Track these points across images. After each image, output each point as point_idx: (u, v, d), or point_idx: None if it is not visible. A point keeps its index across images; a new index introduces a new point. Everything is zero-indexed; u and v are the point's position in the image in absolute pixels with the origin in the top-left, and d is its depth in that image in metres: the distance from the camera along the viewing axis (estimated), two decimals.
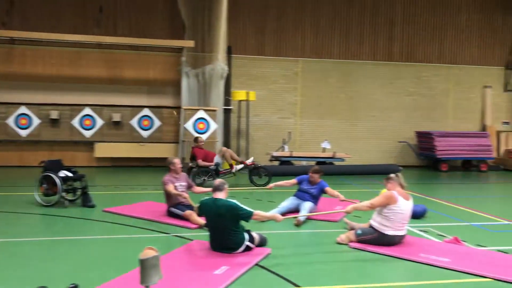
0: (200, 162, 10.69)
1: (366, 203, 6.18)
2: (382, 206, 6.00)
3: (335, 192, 7.72)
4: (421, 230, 7.12)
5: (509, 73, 16.91)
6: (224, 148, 11.24)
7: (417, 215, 7.88)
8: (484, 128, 16.78)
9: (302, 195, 7.86)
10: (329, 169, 13.43)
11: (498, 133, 16.92)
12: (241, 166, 11.03)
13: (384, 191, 6.45)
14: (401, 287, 4.89)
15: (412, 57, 16.38)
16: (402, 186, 6.18)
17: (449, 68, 16.64)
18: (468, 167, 16.09)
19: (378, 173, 14.72)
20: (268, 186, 8.50)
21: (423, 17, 16.33)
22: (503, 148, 16.85)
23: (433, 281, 4.97)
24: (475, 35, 16.74)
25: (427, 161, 16.19)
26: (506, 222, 7.90)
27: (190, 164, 10.95)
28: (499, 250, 6.14)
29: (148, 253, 3.70)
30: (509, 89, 17.02)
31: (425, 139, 15.71)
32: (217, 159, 10.85)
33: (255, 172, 11.10)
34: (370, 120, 16.21)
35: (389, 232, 5.95)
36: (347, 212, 6.35)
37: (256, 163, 11.37)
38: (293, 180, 8.13)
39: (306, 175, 8.04)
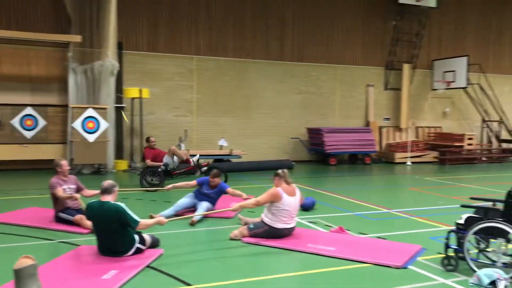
0: (148, 162, 10.72)
1: (252, 200, 6.40)
2: (267, 203, 6.23)
3: (237, 192, 7.79)
4: (310, 222, 7.48)
5: (389, 73, 18.38)
6: (173, 147, 10.81)
7: (306, 207, 8.27)
8: (368, 124, 18.08)
9: (201, 197, 7.85)
10: (227, 166, 13.58)
11: (380, 128, 18.33)
12: (196, 157, 11.07)
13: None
14: (290, 277, 5.10)
15: (302, 57, 17.10)
16: (287, 182, 6.42)
17: (335, 68, 17.65)
18: (354, 161, 17.23)
19: (273, 168, 15.17)
20: (166, 188, 8.31)
21: (312, 18, 17.12)
22: (384, 142, 18.31)
23: (320, 269, 5.25)
24: (359, 38, 17.93)
25: (317, 156, 17.05)
26: (385, 211, 8.59)
27: (138, 165, 11.21)
28: (378, 237, 6.65)
29: (24, 262, 3.45)
30: (389, 87, 18.49)
31: (315, 135, 16.52)
32: (166, 158, 10.58)
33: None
34: (264, 118, 16.65)
35: (278, 225, 6.18)
36: (234, 210, 6.49)
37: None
38: (193, 182, 8.08)
39: (207, 177, 8.02)
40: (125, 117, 14.39)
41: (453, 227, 5.36)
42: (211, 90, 15.93)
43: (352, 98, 18.04)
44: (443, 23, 19.26)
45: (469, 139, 17.90)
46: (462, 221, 5.26)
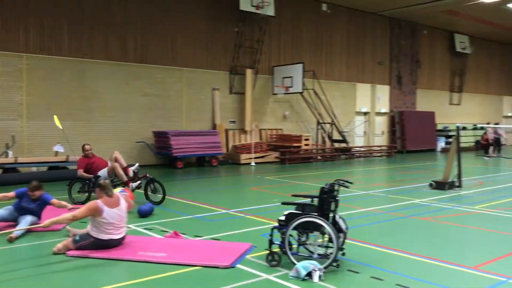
0: (79, 172, 9.60)
1: (68, 215, 5.99)
2: (86, 217, 5.92)
3: (62, 203, 7.36)
4: (146, 228, 7.28)
5: (233, 78, 18.96)
6: (116, 164, 9.19)
7: (144, 214, 8.06)
8: (214, 126, 18.41)
9: (22, 211, 7.10)
10: (61, 174, 12.63)
11: (227, 131, 18.82)
12: (137, 183, 9.25)
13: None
14: None
15: (146, 59, 16.72)
16: (108, 195, 6.14)
17: (181, 70, 17.64)
18: (202, 163, 17.40)
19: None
20: None
21: (156, 20, 16.85)
22: (231, 144, 18.85)
23: (149, 277, 5.11)
24: (203, 42, 18.17)
25: (165, 159, 16.83)
26: (224, 211, 8.77)
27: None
28: (213, 238, 6.75)
29: None
30: (234, 91, 19.08)
31: (161, 138, 16.28)
32: (102, 172, 9.32)
33: (152, 186, 9.29)
34: (108, 121, 15.88)
35: (104, 236, 5.88)
36: (45, 227, 6.03)
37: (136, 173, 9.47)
38: (11, 193, 7.26)
39: (25, 189, 7.26)
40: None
41: (277, 224, 5.66)
42: (44, 92, 14.65)
43: (199, 102, 18.21)
44: (282, 31, 20.55)
45: (306, 139, 19.35)
46: (283, 218, 5.59)
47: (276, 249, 5.63)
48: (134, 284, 4.98)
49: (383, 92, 25.18)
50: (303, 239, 5.53)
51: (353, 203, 9.75)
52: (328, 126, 21.13)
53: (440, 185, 11.58)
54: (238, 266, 5.45)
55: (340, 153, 21.02)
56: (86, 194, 9.33)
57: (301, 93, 19.49)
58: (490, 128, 22.93)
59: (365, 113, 24.61)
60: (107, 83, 15.84)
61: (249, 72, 18.98)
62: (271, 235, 5.50)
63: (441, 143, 26.71)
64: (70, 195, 9.43)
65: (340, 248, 5.40)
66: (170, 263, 5.48)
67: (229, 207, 9.09)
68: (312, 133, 21.30)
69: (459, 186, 11.70)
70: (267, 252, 5.51)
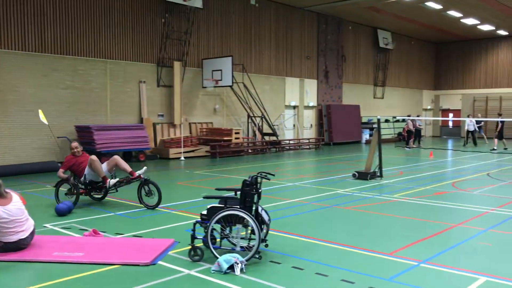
0: (59, 172, 8.70)
1: None
2: None
3: None
4: (63, 228, 6.92)
5: (161, 70, 18.54)
6: (93, 156, 8.60)
7: (61, 213, 7.68)
8: (141, 120, 17.92)
9: None
10: None
11: (154, 125, 18.38)
12: (114, 180, 8.57)
13: None
14: None
15: (67, 50, 15.89)
16: (3, 196, 5.70)
17: (105, 62, 16.96)
18: (129, 158, 16.87)
19: (36, 171, 13.91)
20: None
21: (77, 9, 16.05)
22: (159, 139, 18.45)
23: (63, 278, 4.84)
24: (128, 33, 17.57)
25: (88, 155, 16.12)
26: (143, 209, 8.55)
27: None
28: (135, 235, 6.54)
29: None
30: (161, 84, 18.66)
31: (84, 133, 15.58)
32: (103, 167, 8.60)
33: (146, 189, 8.50)
34: (25, 115, 14.93)
35: (12, 238, 5.52)
36: None
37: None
38: None
39: None
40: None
41: (199, 219, 5.59)
42: None
43: (125, 94, 17.62)
44: (210, 24, 20.37)
45: (236, 133, 19.37)
46: (205, 212, 5.52)
47: (199, 244, 5.57)
48: (47, 286, 4.70)
49: (311, 86, 25.76)
50: (226, 232, 5.50)
51: (279, 195, 9.87)
52: (258, 119, 21.28)
53: (362, 175, 12.03)
54: (160, 262, 5.32)
55: (270, 146, 21.26)
56: (75, 196, 8.40)
57: (231, 86, 19.45)
58: (410, 120, 24.19)
59: (294, 107, 25.06)
60: (22, 75, 14.85)
61: (177, 65, 18.64)
62: (193, 229, 5.42)
63: (365, 135, 27.82)
64: (57, 197, 8.56)
65: (263, 240, 5.42)
66: (87, 262, 5.24)
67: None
68: (242, 126, 21.37)
69: (380, 176, 12.22)
70: (190, 247, 5.42)
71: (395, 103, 32.58)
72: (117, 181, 8.56)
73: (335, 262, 5.39)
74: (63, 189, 8.69)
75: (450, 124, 36.18)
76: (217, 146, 18.43)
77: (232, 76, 19.02)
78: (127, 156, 16.88)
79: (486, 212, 8.20)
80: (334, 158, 18.68)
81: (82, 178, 8.59)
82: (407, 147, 23.45)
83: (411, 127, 24.13)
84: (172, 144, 17.99)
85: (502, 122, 22.75)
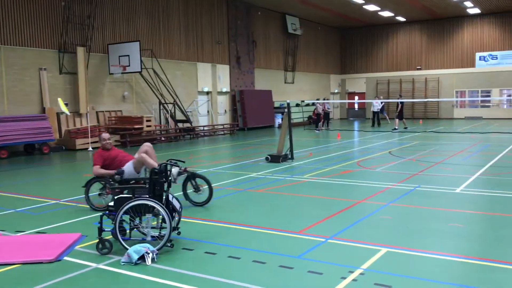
0: (95, 169, 7.24)
1: None
2: None
3: None
4: None
5: (63, 56, 17.47)
6: (143, 154, 6.73)
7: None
8: (44, 110, 16.81)
9: None
10: None
11: (58, 114, 17.32)
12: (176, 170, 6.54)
13: None
14: None
15: None
16: None
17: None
18: (31, 151, 15.82)
19: None
20: None
21: None
22: (64, 129, 17.44)
23: None
24: (25, 17, 16.31)
25: None
26: (53, 202, 8.08)
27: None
28: (38, 232, 6.15)
29: None
30: (64, 71, 17.60)
31: None
32: (127, 167, 6.86)
33: (193, 184, 7.32)
34: None
35: None
36: None
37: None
38: None
39: None
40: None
41: (106, 211, 5.38)
42: None
43: (23, 83, 16.40)
44: (115, 7, 19.51)
45: (148, 121, 18.87)
46: (112, 203, 5.32)
47: (108, 236, 5.37)
48: None
49: (224, 72, 25.74)
50: (136, 222, 5.34)
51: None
52: (170, 106, 20.88)
53: (274, 158, 12.31)
54: (66, 258, 5.06)
55: (184, 133, 21.01)
56: (109, 196, 6.94)
57: (139, 72, 18.85)
58: (319, 104, 25.11)
59: (208, 93, 24.92)
60: None
61: (80, 50, 17.66)
62: (100, 222, 5.20)
63: (278, 120, 28.46)
64: (88, 199, 7.40)
65: (175, 228, 5.35)
66: None
67: (59, 197, 8.41)
68: (154, 114, 20.87)
69: (291, 158, 12.59)
70: (97, 240, 5.21)
71: (305, 88, 33.61)
72: (179, 171, 6.50)
73: (247, 244, 5.47)
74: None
75: (356, 106, 38.13)
76: (128, 135, 17.85)
77: (141, 61, 18.45)
78: (30, 148, 15.84)
79: (387, 187, 8.75)
80: (248, 143, 18.91)
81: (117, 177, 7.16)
82: (316, 130, 24.34)
83: (320, 110, 25.05)
84: (79, 135, 17.11)
85: (402, 103, 24.37)
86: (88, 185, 7.36)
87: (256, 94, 27.36)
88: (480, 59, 33.23)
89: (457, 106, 34.70)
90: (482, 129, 23.13)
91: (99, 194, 7.31)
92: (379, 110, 26.71)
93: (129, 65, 18.41)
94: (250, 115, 26.26)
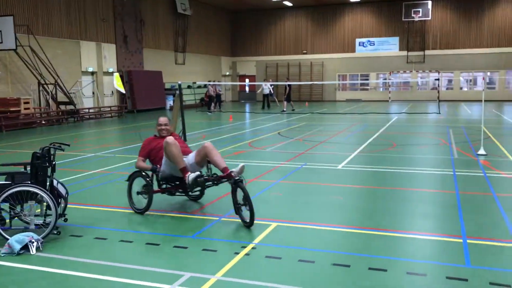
0: (138, 162, 6.09)
1: None
2: None
3: None
4: None
5: None
6: (208, 143, 5.84)
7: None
8: None
9: None
10: None
11: None
12: (194, 175, 5.55)
13: None
14: None
15: None
16: None
17: None
18: None
19: None
20: None
21: None
22: None
23: None
24: None
25: None
26: None
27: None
28: None
29: None
30: None
31: None
32: (190, 158, 5.80)
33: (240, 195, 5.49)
34: None
35: None
36: None
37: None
38: None
39: None
40: None
41: None
42: None
43: None
44: None
45: (26, 103, 17.45)
46: None
47: None
48: None
49: (110, 51, 24.56)
50: (17, 211, 4.97)
51: (79, 167, 9.32)
52: (51, 87, 19.46)
53: None
54: None
55: (68, 116, 19.77)
56: (146, 198, 5.86)
57: (14, 50, 17.25)
58: (211, 86, 25.15)
59: (93, 73, 23.62)
60: None
61: None
62: None
63: (169, 102, 27.99)
64: (130, 197, 6.09)
65: (61, 215, 5.08)
66: None
67: None
68: (33, 95, 19.31)
69: (185, 141, 12.49)
70: None
71: (196, 69, 33.39)
72: (198, 176, 5.50)
73: (140, 228, 5.38)
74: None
75: (247, 89, 38.87)
76: (2, 118, 16.33)
77: (16, 38, 16.89)
78: None
79: (277, 166, 9.12)
80: (138, 126, 18.38)
81: (161, 172, 5.93)
82: (208, 112, 24.41)
83: (212, 92, 25.12)
84: None
85: (290, 86, 25.36)
86: (131, 178, 6.08)
87: (145, 75, 26.57)
88: (359, 45, 35.67)
89: (340, 89, 37.02)
90: (361, 110, 24.99)
91: (138, 193, 5.98)
92: (270, 93, 27.50)
93: (1, 42, 16.75)
94: (140, 97, 25.47)
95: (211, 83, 25.47)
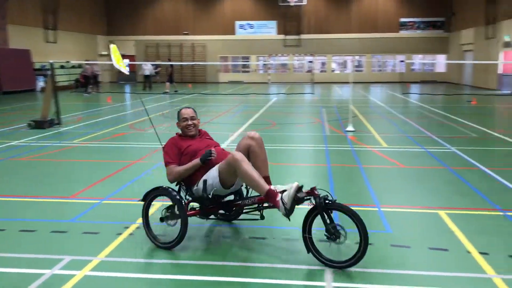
0: (174, 170, 4.22)
1: None
2: None
3: None
4: None
5: None
6: (251, 135, 4.26)
7: None
8: None
9: None
10: None
11: None
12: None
13: None
14: None
15: None
16: None
17: None
18: None
19: None
20: None
21: None
22: None
23: None
24: None
25: None
26: None
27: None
28: None
29: None
30: None
31: None
32: (212, 174, 4.10)
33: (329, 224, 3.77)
34: None
35: None
36: None
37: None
38: None
39: None
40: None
41: None
42: None
43: None
44: None
45: None
46: None
47: None
48: None
49: None
50: None
51: None
52: None
53: (39, 124, 11.34)
54: None
55: None
56: (177, 223, 4.10)
57: None
58: (88, 66, 23.79)
59: None
60: None
61: None
62: None
63: (40, 82, 25.93)
64: (148, 227, 4.27)
65: None
66: None
67: None
68: None
69: (59, 123, 11.79)
70: None
71: (69, 48, 31.28)
72: (298, 189, 3.70)
73: (12, 215, 5.04)
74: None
75: (127, 69, 37.40)
76: None
77: None
78: None
79: (160, 148, 9.04)
80: (4, 109, 16.82)
81: (197, 187, 4.17)
82: (85, 93, 23.13)
83: (88, 72, 23.80)
84: None
85: (172, 66, 25.00)
86: (147, 199, 4.30)
87: (10, 53, 24.22)
88: (240, 28, 36.27)
89: (222, 71, 37.40)
90: (243, 91, 25.60)
91: (162, 219, 4.20)
92: (151, 74, 26.79)
93: None
94: (5, 77, 23.22)
95: (87, 62, 24.09)
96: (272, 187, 3.75)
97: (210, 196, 3.98)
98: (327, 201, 3.67)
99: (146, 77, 26.68)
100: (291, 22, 35.51)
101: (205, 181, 4.00)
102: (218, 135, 10.58)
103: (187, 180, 4.20)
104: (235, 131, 11.05)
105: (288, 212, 3.61)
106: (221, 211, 4.34)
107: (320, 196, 3.68)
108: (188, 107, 4.55)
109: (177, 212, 4.05)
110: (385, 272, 3.69)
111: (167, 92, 23.82)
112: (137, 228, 4.61)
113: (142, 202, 4.28)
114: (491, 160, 7.77)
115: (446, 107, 16.84)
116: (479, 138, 10.01)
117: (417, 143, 9.28)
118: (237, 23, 36.04)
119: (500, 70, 25.80)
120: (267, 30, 36.05)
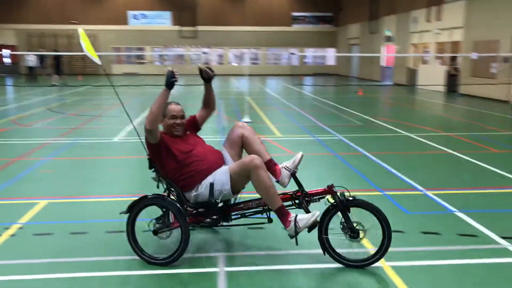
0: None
1: None
2: None
3: None
4: None
5: None
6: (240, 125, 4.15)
7: None
8: None
9: None
10: None
11: None
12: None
13: None
14: None
15: None
16: None
17: None
18: None
19: None
20: None
21: None
22: None
23: None
24: None
25: None
26: None
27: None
28: None
29: None
30: None
31: None
32: (220, 174, 3.71)
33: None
34: None
35: None
36: None
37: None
38: None
39: None
40: None
41: None
42: None
43: None
44: None
45: None
46: None
47: None
48: None
49: None
50: None
51: None
52: None
53: None
54: None
55: None
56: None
57: None
58: None
59: None
60: None
61: None
62: None
63: None
64: (135, 243, 3.65)
65: None
66: None
67: None
68: None
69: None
70: None
71: None
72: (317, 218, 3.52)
73: None
74: None
75: (8, 61, 34.38)
76: None
77: None
78: None
79: (47, 143, 8.50)
80: None
81: (197, 192, 3.66)
82: None
83: None
84: None
85: (59, 57, 23.47)
86: (133, 209, 3.69)
87: None
88: (132, 18, 35.06)
89: (115, 63, 35.90)
90: (138, 83, 24.86)
91: (155, 231, 3.72)
92: (38, 65, 24.90)
93: None
94: None
95: None
96: (281, 165, 3.73)
97: (218, 202, 3.61)
98: (348, 199, 3.45)
99: (30, 68, 24.78)
100: (186, 13, 35.11)
101: (211, 185, 3.61)
102: (110, 129, 10.22)
103: (183, 185, 3.71)
104: (128, 124, 10.73)
105: (297, 235, 3.49)
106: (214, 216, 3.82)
107: (338, 194, 3.47)
108: (177, 104, 4.07)
109: (170, 222, 3.64)
110: (271, 254, 3.84)
111: (56, 84, 22.35)
112: (20, 228, 4.31)
113: (126, 215, 3.68)
114: (374, 146, 8.41)
115: (336, 98, 17.86)
116: (364, 126, 10.78)
117: (308, 132, 9.75)
118: (130, 12, 34.80)
119: (382, 63, 27.95)
120: (162, 20, 35.28)
